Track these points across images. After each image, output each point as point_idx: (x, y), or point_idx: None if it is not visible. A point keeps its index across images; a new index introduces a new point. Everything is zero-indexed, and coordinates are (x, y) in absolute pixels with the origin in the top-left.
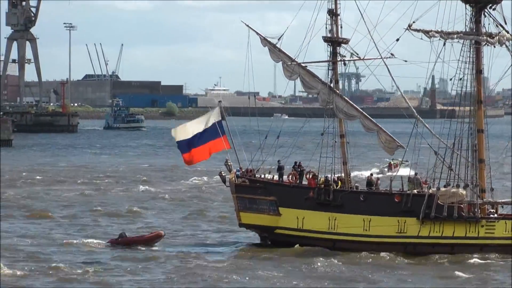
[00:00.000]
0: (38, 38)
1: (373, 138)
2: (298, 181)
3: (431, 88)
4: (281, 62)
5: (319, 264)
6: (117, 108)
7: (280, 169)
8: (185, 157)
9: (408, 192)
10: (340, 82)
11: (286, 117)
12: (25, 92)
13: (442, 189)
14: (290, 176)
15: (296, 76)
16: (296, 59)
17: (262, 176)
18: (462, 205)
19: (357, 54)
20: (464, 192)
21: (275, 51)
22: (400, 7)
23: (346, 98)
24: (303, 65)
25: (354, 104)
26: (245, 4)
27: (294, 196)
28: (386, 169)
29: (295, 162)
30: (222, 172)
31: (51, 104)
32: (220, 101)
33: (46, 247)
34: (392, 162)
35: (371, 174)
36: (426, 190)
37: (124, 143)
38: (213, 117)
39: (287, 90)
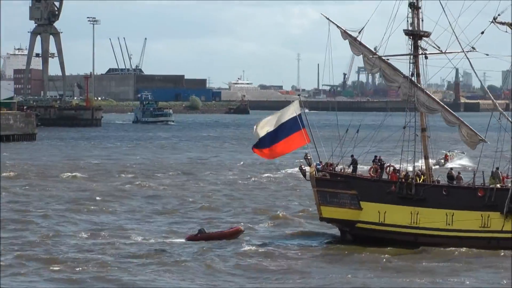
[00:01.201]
0: (61, 32)
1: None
2: (379, 175)
3: (455, 81)
4: (361, 55)
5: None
6: (146, 102)
7: (353, 163)
8: (266, 152)
9: (491, 186)
10: (364, 75)
11: (307, 110)
12: (49, 86)
13: None
14: (372, 170)
15: (377, 70)
16: (377, 52)
17: (342, 169)
18: None
19: (439, 47)
20: None
21: (356, 45)
22: (479, 1)
23: (428, 92)
24: (384, 58)
25: (436, 98)
26: None
27: (376, 190)
28: (442, 161)
29: (375, 156)
30: (302, 166)
31: (75, 98)
32: (299, 94)
33: (120, 240)
34: (448, 154)
35: (451, 168)
36: (509, 185)
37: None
38: (293, 110)
39: (310, 83)
